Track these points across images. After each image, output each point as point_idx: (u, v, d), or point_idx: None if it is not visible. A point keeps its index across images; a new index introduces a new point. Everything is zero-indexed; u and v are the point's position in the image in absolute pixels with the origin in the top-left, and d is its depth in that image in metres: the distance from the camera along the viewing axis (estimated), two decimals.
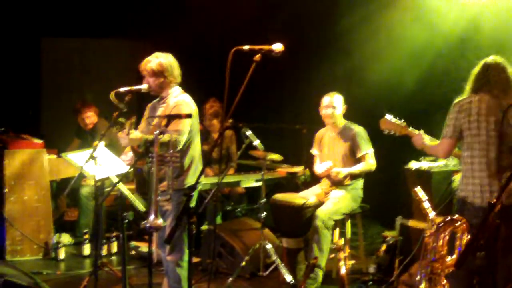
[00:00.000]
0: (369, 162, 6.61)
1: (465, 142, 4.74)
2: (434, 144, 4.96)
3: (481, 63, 4.87)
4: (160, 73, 5.39)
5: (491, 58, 4.86)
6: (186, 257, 5.44)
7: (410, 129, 5.17)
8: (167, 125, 4.70)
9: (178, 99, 5.38)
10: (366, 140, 6.61)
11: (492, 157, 4.66)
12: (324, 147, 6.85)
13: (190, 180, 5.43)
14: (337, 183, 6.72)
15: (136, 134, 5.13)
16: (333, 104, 6.68)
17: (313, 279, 6.27)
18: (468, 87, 4.88)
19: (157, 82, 5.42)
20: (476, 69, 4.86)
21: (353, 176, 6.67)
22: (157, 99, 5.61)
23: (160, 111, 5.47)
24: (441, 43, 7.57)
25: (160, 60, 5.41)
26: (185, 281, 5.50)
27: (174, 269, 5.41)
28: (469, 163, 4.73)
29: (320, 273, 6.33)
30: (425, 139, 5.04)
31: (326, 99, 6.73)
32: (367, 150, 6.58)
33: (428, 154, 5.39)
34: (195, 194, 5.52)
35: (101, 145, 5.53)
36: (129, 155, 5.56)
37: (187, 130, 5.32)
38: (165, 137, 5.00)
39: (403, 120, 5.21)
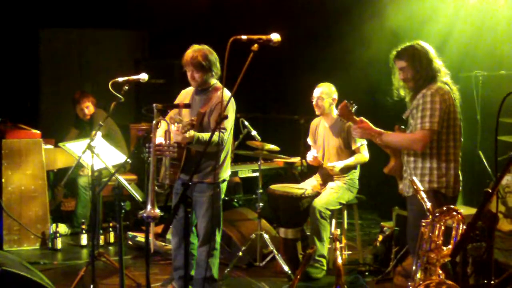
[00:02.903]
0: (364, 154, 6.60)
1: (441, 133, 4.66)
2: (404, 134, 4.78)
3: (420, 47, 4.75)
4: (208, 67, 5.38)
5: (423, 44, 4.79)
6: (218, 245, 5.57)
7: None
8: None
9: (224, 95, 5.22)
10: None
11: (461, 148, 4.71)
12: (318, 138, 6.85)
13: (224, 174, 5.53)
14: (328, 179, 6.73)
15: (190, 133, 5.12)
16: (320, 95, 6.67)
17: (318, 268, 6.36)
18: (404, 76, 4.76)
19: (204, 77, 5.42)
20: (408, 57, 4.73)
21: (347, 168, 6.67)
22: (194, 89, 5.61)
23: (201, 103, 5.49)
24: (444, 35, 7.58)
25: (207, 53, 5.38)
26: (216, 269, 5.61)
27: (206, 259, 5.46)
28: (443, 154, 4.68)
29: (324, 262, 6.40)
30: (376, 128, 4.86)
31: (315, 90, 6.73)
32: (362, 142, 6.57)
33: (390, 146, 4.95)
34: (224, 186, 5.58)
35: (98, 135, 5.53)
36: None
37: (231, 127, 5.37)
38: (213, 137, 5.03)
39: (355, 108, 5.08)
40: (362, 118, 5.00)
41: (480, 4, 7.42)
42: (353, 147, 6.59)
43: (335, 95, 6.68)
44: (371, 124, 4.92)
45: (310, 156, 6.77)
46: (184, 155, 5.32)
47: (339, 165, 6.55)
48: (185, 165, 5.37)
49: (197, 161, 5.25)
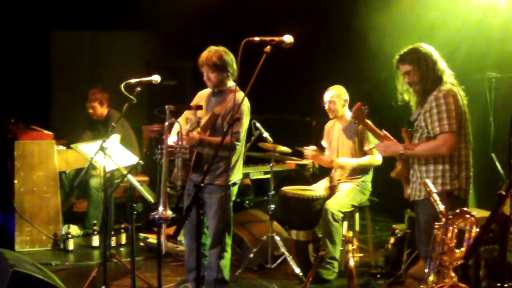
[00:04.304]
0: (376, 157, 6.56)
1: None
2: (427, 144, 4.71)
3: (424, 50, 4.75)
4: (223, 68, 5.38)
5: (426, 46, 4.80)
6: (228, 248, 5.58)
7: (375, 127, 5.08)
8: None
9: (239, 98, 5.08)
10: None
11: (472, 150, 4.71)
12: (333, 140, 6.83)
13: (234, 177, 5.54)
14: (340, 181, 6.70)
15: (193, 134, 5.22)
16: (331, 99, 6.66)
17: (330, 270, 6.35)
18: (413, 78, 4.75)
19: (219, 78, 5.42)
20: (421, 59, 4.73)
21: (360, 170, 6.64)
22: (211, 91, 5.61)
23: (216, 104, 5.49)
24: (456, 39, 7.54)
25: (222, 54, 5.38)
26: (227, 271, 5.63)
27: (216, 261, 5.47)
28: (456, 156, 4.68)
29: (336, 264, 6.38)
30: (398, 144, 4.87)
31: (325, 95, 6.71)
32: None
33: (416, 157, 4.84)
34: (235, 189, 5.59)
35: (115, 137, 5.52)
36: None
37: (244, 130, 5.38)
38: (225, 140, 5.03)
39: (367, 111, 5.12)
40: (386, 133, 5.02)
41: (492, 5, 7.37)
42: (365, 148, 6.55)
43: (346, 96, 6.67)
44: (394, 140, 4.96)
45: (308, 151, 6.72)
46: (194, 155, 5.35)
47: (351, 161, 6.52)
48: (195, 165, 5.41)
49: (209, 162, 5.26)
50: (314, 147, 6.74)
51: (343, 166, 6.57)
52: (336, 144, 6.76)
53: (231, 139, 5.13)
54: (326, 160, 6.77)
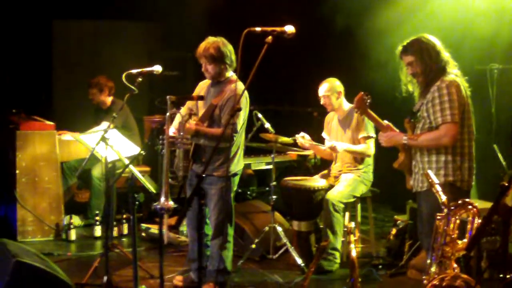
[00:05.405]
0: (370, 146, 6.52)
1: None
2: (429, 134, 4.69)
3: (427, 40, 4.73)
4: (220, 59, 5.37)
5: (429, 37, 4.77)
6: (231, 238, 5.60)
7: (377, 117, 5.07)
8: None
9: (237, 88, 5.18)
10: (371, 125, 6.50)
11: (474, 141, 4.71)
12: (332, 131, 6.83)
13: (235, 168, 5.53)
14: (342, 172, 6.69)
15: (190, 125, 5.24)
16: (325, 94, 6.65)
17: (332, 261, 6.34)
18: (417, 69, 4.74)
19: (217, 69, 5.42)
20: (421, 49, 4.71)
21: (360, 159, 6.63)
22: (210, 81, 5.61)
23: (214, 94, 5.50)
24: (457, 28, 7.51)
25: (219, 45, 5.37)
26: (229, 261, 5.65)
27: (218, 252, 5.48)
28: (458, 147, 4.66)
29: (337, 255, 6.37)
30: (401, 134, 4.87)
31: (319, 90, 6.71)
32: (370, 133, 6.49)
33: (418, 147, 4.84)
34: (236, 179, 5.58)
35: (111, 127, 5.51)
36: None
37: (241, 122, 5.38)
38: (222, 131, 5.04)
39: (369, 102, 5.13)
40: (389, 123, 5.01)
41: None
42: (359, 137, 6.52)
43: (339, 88, 6.66)
44: (397, 130, 4.96)
45: (299, 137, 6.71)
46: (192, 146, 5.37)
47: (339, 145, 6.50)
48: (194, 156, 5.42)
49: (208, 153, 5.28)
50: (303, 134, 6.71)
51: (333, 147, 6.54)
52: (335, 135, 6.75)
53: (227, 131, 5.14)
54: (323, 149, 6.78)
